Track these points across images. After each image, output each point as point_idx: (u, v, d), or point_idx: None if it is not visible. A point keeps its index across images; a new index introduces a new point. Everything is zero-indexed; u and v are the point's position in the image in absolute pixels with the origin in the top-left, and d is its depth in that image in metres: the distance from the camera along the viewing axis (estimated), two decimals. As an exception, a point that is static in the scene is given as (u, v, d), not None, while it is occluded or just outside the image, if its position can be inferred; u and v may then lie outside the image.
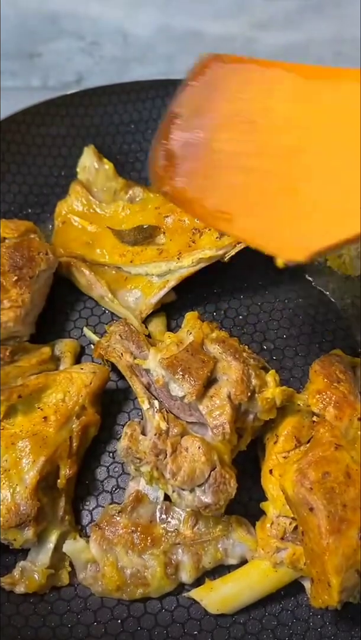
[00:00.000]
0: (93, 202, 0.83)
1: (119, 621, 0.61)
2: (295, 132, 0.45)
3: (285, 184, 0.43)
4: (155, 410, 0.62)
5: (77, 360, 0.76)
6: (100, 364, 0.72)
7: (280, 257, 0.42)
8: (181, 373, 0.61)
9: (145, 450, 0.60)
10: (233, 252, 0.75)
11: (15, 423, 0.65)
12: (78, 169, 0.88)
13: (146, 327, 0.76)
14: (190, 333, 0.66)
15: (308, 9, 1.05)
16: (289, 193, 0.42)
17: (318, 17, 1.06)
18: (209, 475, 0.58)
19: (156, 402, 0.63)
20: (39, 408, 0.66)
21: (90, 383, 0.68)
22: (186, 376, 0.61)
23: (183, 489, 0.59)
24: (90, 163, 0.87)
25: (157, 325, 0.77)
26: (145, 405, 0.63)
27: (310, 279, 0.84)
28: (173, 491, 0.60)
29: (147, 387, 0.65)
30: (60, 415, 0.65)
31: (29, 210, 0.88)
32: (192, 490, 0.59)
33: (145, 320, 0.77)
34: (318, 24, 1.08)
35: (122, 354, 0.68)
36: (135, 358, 0.67)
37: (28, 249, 0.74)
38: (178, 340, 0.66)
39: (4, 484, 0.61)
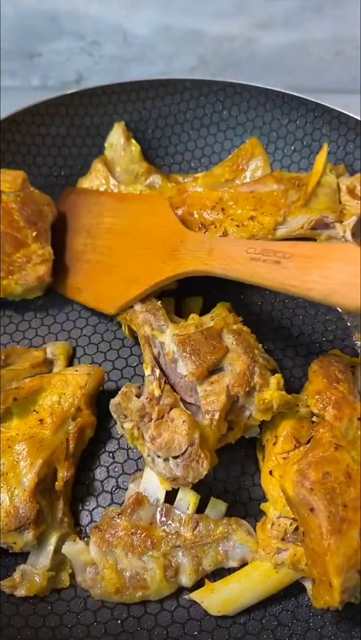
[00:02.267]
0: (111, 182, 0.83)
1: (119, 621, 0.61)
2: (112, 236, 0.73)
3: (105, 269, 0.70)
4: (155, 377, 0.64)
5: (70, 361, 0.76)
6: (96, 364, 0.72)
7: (104, 311, 0.72)
8: (189, 352, 0.62)
9: (133, 409, 0.62)
10: None
11: (11, 426, 0.65)
12: (106, 144, 0.88)
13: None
14: (213, 319, 0.68)
15: (308, 9, 1.05)
16: (107, 274, 0.70)
17: (318, 17, 1.06)
18: (185, 450, 0.59)
19: (158, 371, 0.64)
20: (34, 411, 0.66)
21: (85, 384, 0.69)
22: (193, 357, 0.62)
23: (159, 456, 0.60)
24: (117, 141, 0.87)
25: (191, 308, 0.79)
26: (147, 371, 0.65)
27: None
28: (149, 455, 0.61)
29: (156, 358, 0.66)
30: (56, 418, 0.66)
31: (29, 210, 0.88)
32: (166, 459, 0.60)
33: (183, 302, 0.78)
34: (318, 24, 1.08)
35: (142, 323, 0.69)
36: (153, 329, 0.68)
37: (34, 202, 0.76)
38: (200, 323, 0.67)
39: (2, 487, 0.61)
